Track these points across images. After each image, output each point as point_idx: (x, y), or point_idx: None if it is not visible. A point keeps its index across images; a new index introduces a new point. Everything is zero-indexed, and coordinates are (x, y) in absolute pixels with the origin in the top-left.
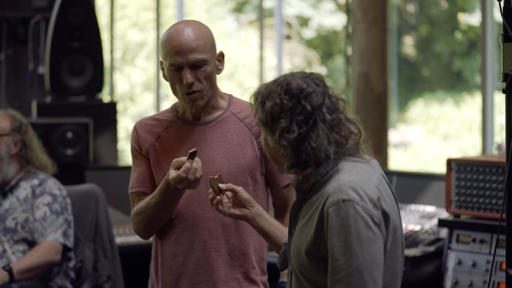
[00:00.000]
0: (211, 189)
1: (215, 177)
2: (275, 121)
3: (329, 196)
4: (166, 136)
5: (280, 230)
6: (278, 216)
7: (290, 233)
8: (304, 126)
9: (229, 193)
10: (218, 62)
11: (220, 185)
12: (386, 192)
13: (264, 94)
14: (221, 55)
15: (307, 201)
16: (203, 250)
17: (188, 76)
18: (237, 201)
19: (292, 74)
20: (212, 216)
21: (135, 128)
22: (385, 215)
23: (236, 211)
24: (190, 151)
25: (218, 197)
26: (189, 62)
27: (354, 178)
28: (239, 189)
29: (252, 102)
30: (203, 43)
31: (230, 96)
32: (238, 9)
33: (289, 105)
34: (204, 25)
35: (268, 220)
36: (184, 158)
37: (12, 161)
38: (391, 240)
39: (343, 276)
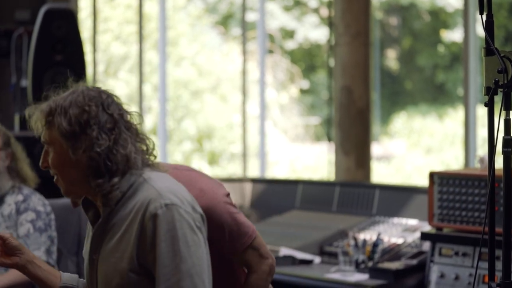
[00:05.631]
0: None
1: None
2: (84, 130)
3: (149, 203)
4: None
5: (55, 275)
6: (247, 280)
7: (92, 262)
8: (112, 135)
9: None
10: None
11: None
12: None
13: (62, 106)
14: None
15: (111, 220)
16: None
17: None
18: (7, 249)
19: (85, 87)
20: None
21: None
22: (203, 218)
23: (6, 260)
24: None
25: None
26: None
27: (168, 184)
28: (7, 236)
29: (43, 120)
30: None
31: None
32: (223, 22)
33: (97, 113)
34: None
35: (41, 266)
36: None
37: (5, 174)
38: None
39: (173, 283)
